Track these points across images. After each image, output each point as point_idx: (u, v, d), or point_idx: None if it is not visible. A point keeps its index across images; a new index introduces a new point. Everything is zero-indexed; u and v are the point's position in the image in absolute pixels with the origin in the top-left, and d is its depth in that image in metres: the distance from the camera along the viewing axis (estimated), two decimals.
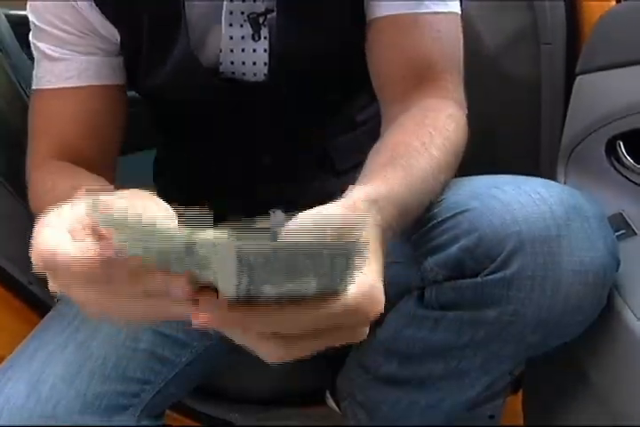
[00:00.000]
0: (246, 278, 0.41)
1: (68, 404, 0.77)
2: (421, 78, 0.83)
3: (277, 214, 0.98)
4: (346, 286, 0.45)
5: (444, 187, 0.75)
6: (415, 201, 0.67)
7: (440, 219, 0.75)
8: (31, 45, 0.89)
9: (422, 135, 0.73)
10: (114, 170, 0.94)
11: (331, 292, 0.45)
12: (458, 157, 0.76)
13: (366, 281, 0.47)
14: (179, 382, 0.91)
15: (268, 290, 0.42)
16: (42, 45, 0.87)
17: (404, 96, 0.82)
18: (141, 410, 0.85)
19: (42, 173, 0.84)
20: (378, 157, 0.72)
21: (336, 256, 0.42)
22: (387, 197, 0.62)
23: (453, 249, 0.74)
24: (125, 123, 0.94)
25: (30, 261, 0.90)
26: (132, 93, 0.97)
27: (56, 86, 0.87)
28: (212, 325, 0.43)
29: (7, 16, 1.36)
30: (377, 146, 0.76)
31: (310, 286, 0.43)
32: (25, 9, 0.89)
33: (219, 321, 0.43)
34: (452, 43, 0.85)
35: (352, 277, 0.44)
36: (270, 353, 0.47)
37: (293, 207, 1.00)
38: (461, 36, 0.86)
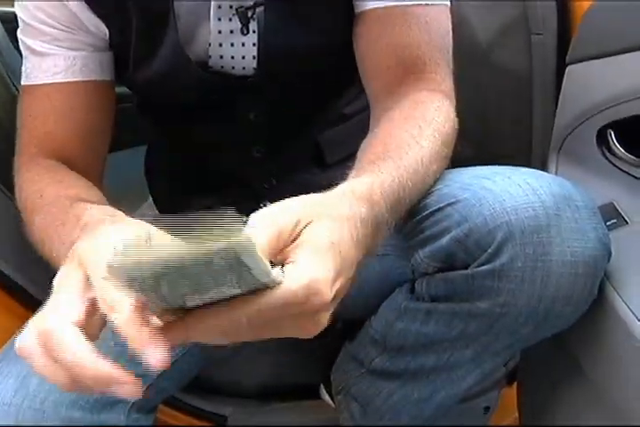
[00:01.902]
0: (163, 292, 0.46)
1: (56, 399, 0.77)
2: (409, 71, 0.82)
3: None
4: (274, 280, 0.48)
5: (437, 177, 0.75)
6: (407, 192, 0.68)
7: (430, 210, 0.75)
8: (19, 41, 0.89)
9: (411, 128, 0.74)
10: (102, 166, 0.94)
11: (261, 287, 0.48)
12: (449, 147, 0.76)
13: (304, 274, 0.51)
14: (170, 376, 0.90)
15: (193, 300, 0.47)
16: (29, 41, 0.87)
17: (392, 89, 0.82)
18: (131, 405, 0.84)
19: (30, 174, 0.84)
20: (368, 152, 0.72)
21: (227, 259, 0.43)
22: (378, 190, 0.63)
23: (444, 240, 0.74)
24: (113, 120, 0.93)
25: (24, 260, 0.89)
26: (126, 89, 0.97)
27: (43, 82, 0.87)
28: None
29: None
30: (367, 141, 0.76)
31: (232, 288, 0.46)
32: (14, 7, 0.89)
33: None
34: (440, 35, 0.84)
35: (267, 271, 0.47)
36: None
37: (284, 199, 0.99)
38: (450, 27, 0.85)
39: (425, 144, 0.72)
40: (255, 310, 0.48)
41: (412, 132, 0.73)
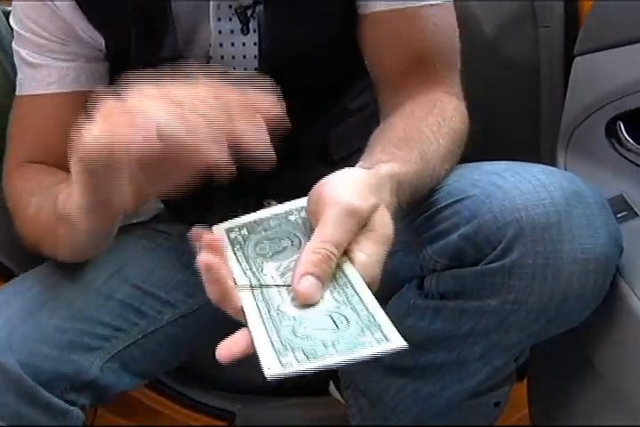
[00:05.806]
0: None
1: (24, 332, 0.76)
2: (419, 72, 0.83)
3: (272, 205, 0.97)
4: None
5: (446, 176, 0.76)
6: (422, 186, 0.71)
7: (439, 206, 0.75)
8: (13, 52, 0.89)
9: (432, 124, 0.75)
10: None
11: None
12: (461, 148, 0.78)
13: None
14: (161, 340, 0.90)
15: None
16: (22, 51, 0.87)
17: (404, 88, 0.83)
18: (112, 356, 0.84)
19: (26, 175, 0.84)
20: (389, 134, 0.73)
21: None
22: (405, 178, 0.66)
23: (453, 237, 0.73)
24: None
25: (19, 251, 0.87)
26: None
27: (37, 92, 0.87)
28: None
29: (4, 13, 1.34)
30: (384, 126, 0.77)
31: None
32: None
33: None
34: (448, 35, 0.85)
35: None
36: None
37: (289, 197, 0.99)
38: (456, 25, 0.85)
39: (442, 142, 0.74)
40: None
41: (432, 128, 0.74)
